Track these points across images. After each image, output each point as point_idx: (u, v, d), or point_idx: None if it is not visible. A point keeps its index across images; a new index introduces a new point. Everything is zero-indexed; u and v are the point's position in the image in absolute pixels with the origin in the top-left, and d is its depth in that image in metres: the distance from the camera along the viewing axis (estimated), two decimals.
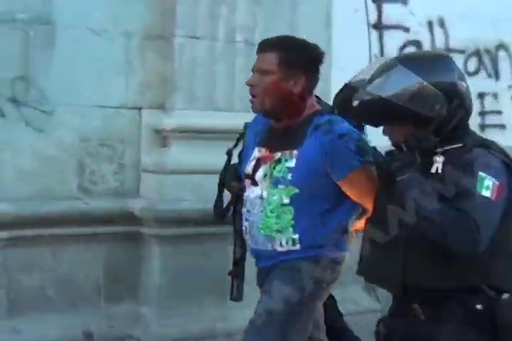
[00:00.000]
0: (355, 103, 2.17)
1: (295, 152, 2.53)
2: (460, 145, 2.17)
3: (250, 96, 2.57)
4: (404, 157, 2.17)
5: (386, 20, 4.29)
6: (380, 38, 4.36)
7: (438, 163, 2.15)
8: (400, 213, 2.09)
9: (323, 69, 2.52)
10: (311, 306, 2.58)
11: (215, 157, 2.73)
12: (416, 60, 2.20)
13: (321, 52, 2.60)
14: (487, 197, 2.05)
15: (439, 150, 2.17)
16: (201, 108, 3.51)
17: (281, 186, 2.53)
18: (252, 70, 2.58)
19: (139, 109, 3.46)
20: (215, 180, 2.66)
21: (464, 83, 2.19)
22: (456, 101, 2.15)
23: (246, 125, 2.76)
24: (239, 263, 2.70)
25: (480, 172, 2.06)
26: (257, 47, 2.60)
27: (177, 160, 3.44)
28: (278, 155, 2.56)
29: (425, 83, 2.11)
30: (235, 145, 2.72)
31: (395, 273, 2.16)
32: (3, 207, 3.05)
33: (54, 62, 3.20)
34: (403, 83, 2.11)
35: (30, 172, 3.14)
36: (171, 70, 3.48)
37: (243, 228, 2.65)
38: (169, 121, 3.45)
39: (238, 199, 2.69)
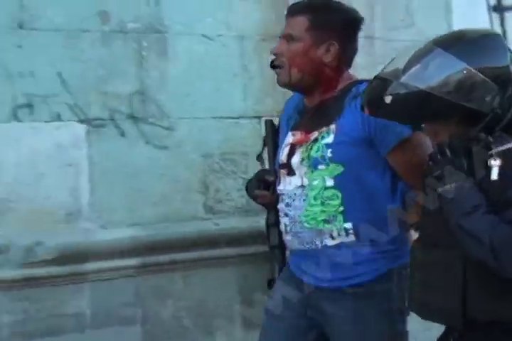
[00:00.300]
0: (388, 99, 1.89)
1: (333, 126, 2.29)
2: None
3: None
4: (450, 162, 1.89)
5: (506, 1, 4.09)
6: (502, 20, 4.16)
7: (494, 167, 1.85)
8: (458, 231, 1.80)
9: None
10: None
11: None
12: (458, 42, 1.90)
13: (358, 16, 2.38)
14: None
15: (492, 151, 1.87)
16: None
17: (321, 167, 2.28)
18: (280, 37, 2.37)
19: (259, 117, 3.32)
20: None
21: None
22: (511, 88, 1.87)
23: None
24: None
25: None
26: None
27: None
28: (315, 134, 2.32)
29: (471, 69, 1.84)
30: (263, 149, 2.55)
31: (454, 305, 1.88)
32: (132, 232, 2.95)
33: (169, 73, 3.10)
34: (444, 71, 1.85)
35: (155, 193, 3.04)
36: None
37: (281, 227, 2.39)
38: None
39: (269, 209, 2.46)
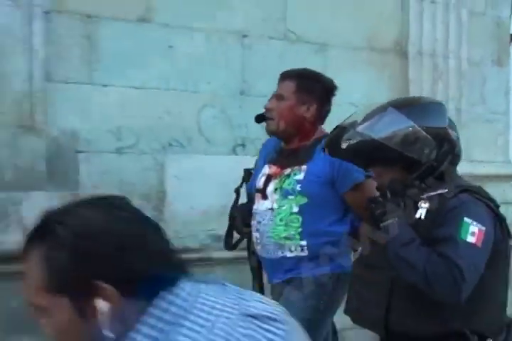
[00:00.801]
0: (345, 144, 2.15)
1: (304, 166, 2.72)
2: (445, 190, 2.12)
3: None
4: (390, 202, 2.13)
5: None
6: None
7: (423, 208, 2.10)
8: (394, 259, 2.06)
9: None
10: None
11: None
12: (409, 105, 2.18)
13: (334, 85, 2.81)
14: (471, 243, 2.00)
15: (424, 196, 2.12)
16: None
17: (290, 197, 2.71)
18: (272, 96, 2.84)
19: None
20: None
21: (454, 131, 2.16)
22: (446, 146, 2.13)
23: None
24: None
25: (465, 218, 2.02)
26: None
27: None
28: (288, 170, 2.75)
29: (417, 127, 2.09)
30: (241, 185, 2.91)
31: (379, 316, 2.14)
32: None
33: None
34: (395, 126, 2.10)
35: None
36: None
37: (253, 239, 2.79)
38: None
39: (249, 240, 2.83)
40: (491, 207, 2.12)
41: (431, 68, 4.78)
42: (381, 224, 2.10)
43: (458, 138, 2.19)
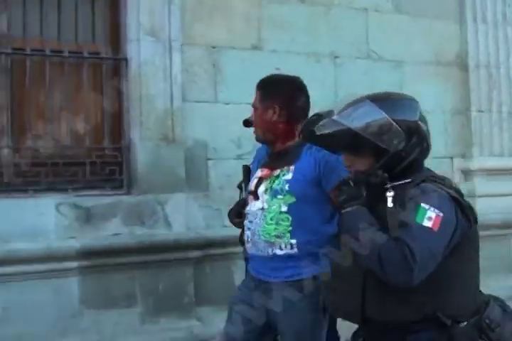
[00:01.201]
0: (320, 131, 2.18)
1: (292, 167, 2.75)
2: (408, 180, 2.16)
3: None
4: (351, 190, 2.18)
5: None
6: None
7: (389, 197, 2.12)
8: (352, 243, 2.09)
9: None
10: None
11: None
12: (384, 99, 2.21)
13: (295, 83, 2.87)
14: (427, 227, 2.01)
15: (388, 185, 2.15)
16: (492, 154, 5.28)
17: (279, 196, 2.73)
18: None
19: (451, 157, 5.11)
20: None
21: (425, 126, 2.20)
22: (415, 139, 2.16)
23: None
24: None
25: (422, 204, 2.04)
26: None
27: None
28: (277, 172, 2.79)
29: (389, 119, 2.13)
30: (243, 180, 3.01)
31: (355, 306, 2.14)
32: None
33: None
34: (369, 117, 2.13)
35: None
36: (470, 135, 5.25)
37: (245, 237, 2.83)
38: (472, 164, 5.08)
39: (242, 231, 2.89)
40: (453, 195, 2.12)
41: (486, 78, 5.53)
42: (342, 211, 2.16)
43: (428, 133, 2.22)
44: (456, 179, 5.25)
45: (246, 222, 2.84)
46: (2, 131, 4.13)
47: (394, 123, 2.12)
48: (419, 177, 2.16)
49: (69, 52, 4.25)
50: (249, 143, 4.57)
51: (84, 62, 4.29)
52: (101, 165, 4.30)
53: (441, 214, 2.03)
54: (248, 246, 2.82)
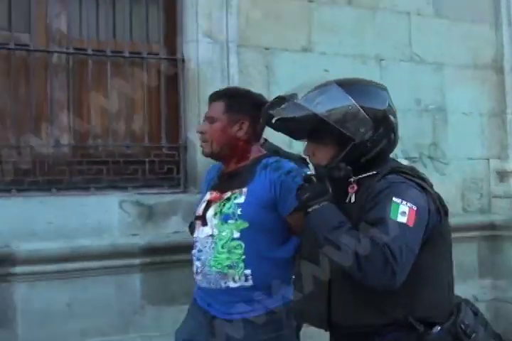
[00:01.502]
0: (281, 114, 2.02)
1: (244, 189, 2.54)
2: (374, 172, 2.04)
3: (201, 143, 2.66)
4: (316, 187, 2.03)
5: None
6: None
7: (351, 192, 2.02)
8: (323, 246, 1.92)
9: None
10: None
11: None
12: (353, 85, 2.07)
13: (264, 100, 2.59)
14: (403, 223, 1.88)
15: (352, 179, 2.04)
16: None
17: (231, 221, 2.51)
18: (204, 119, 2.73)
19: (488, 159, 5.33)
20: None
21: (393, 118, 2.08)
22: (383, 129, 2.03)
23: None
24: None
25: (394, 198, 1.91)
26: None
27: None
28: (228, 194, 2.58)
29: (356, 105, 1.99)
30: None
31: (321, 311, 2.01)
32: None
33: (449, 135, 5.19)
34: (336, 102, 1.99)
35: None
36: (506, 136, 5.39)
37: (194, 269, 2.62)
38: (508, 165, 5.34)
39: None
40: (423, 186, 2.00)
41: None
42: (308, 209, 1.99)
43: (396, 125, 2.09)
44: (493, 180, 5.38)
45: (194, 252, 2.63)
46: (63, 129, 4.19)
47: (361, 110, 1.99)
48: (385, 169, 2.03)
49: (131, 52, 4.30)
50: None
51: (142, 63, 4.35)
52: (159, 164, 4.36)
53: (414, 208, 1.91)
54: (198, 278, 2.59)
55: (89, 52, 4.22)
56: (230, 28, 4.41)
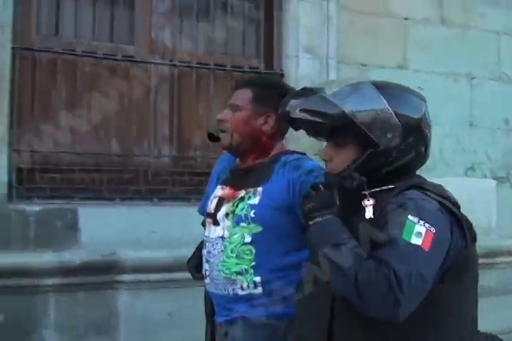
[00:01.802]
0: (304, 106, 1.83)
1: (259, 189, 2.32)
2: (391, 186, 1.80)
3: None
4: (322, 197, 1.82)
5: None
6: None
7: (368, 206, 1.77)
8: (315, 270, 1.73)
9: None
10: None
11: None
12: (390, 88, 1.89)
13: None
14: (416, 245, 1.63)
15: (366, 192, 1.80)
16: None
17: (243, 224, 2.31)
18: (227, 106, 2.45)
19: None
20: None
21: (427, 129, 1.87)
22: (413, 139, 1.82)
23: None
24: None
25: (409, 216, 1.66)
26: None
27: None
28: (242, 193, 2.36)
29: (390, 110, 1.79)
30: None
31: (320, 332, 1.80)
32: None
33: None
34: (367, 103, 1.80)
35: None
36: None
37: (203, 270, 2.41)
38: None
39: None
40: (447, 206, 1.74)
41: None
42: (309, 222, 1.78)
43: (429, 139, 1.87)
44: None
45: (204, 252, 2.41)
46: (165, 140, 4.25)
47: (393, 116, 1.78)
48: (405, 184, 1.79)
49: (231, 66, 4.36)
50: None
51: (243, 76, 4.41)
52: None
53: (433, 230, 1.65)
54: (207, 281, 2.40)
55: (194, 64, 4.27)
56: (330, 44, 4.46)
